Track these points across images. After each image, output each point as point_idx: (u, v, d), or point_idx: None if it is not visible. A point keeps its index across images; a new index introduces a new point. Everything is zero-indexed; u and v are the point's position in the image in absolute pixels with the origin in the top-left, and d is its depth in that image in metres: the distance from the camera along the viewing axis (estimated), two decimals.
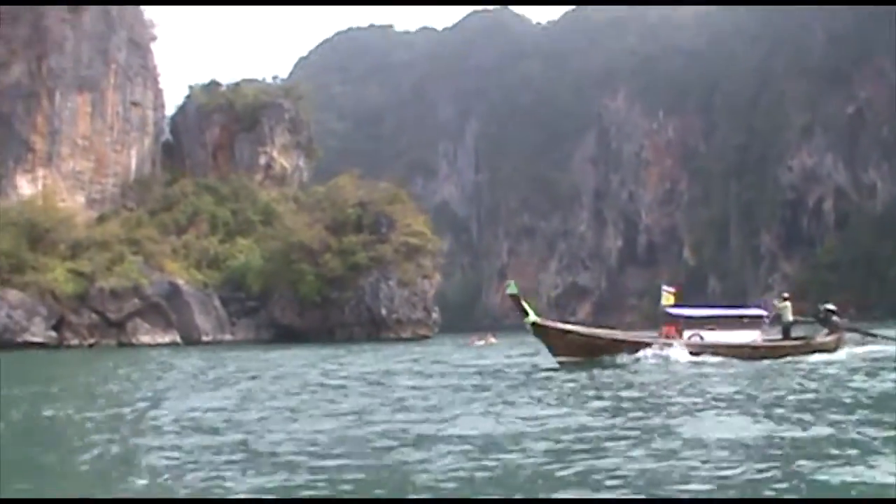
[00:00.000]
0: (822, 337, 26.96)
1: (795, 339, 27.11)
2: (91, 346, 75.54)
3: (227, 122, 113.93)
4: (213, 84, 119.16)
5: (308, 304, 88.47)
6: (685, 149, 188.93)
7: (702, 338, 25.22)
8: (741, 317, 27.67)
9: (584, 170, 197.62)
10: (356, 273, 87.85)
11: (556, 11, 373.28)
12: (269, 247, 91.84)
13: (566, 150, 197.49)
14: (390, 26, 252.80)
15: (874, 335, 29.14)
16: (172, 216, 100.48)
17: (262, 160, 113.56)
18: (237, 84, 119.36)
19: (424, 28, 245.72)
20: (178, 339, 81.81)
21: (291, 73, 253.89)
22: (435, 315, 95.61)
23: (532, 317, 23.68)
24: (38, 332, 72.44)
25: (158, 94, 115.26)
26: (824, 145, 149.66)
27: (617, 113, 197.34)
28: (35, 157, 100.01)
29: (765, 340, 26.02)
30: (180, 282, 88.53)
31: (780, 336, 27.22)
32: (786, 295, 29.92)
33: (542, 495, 7.39)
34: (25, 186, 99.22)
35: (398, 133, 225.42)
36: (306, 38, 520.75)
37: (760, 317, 27.70)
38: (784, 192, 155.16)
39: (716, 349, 23.76)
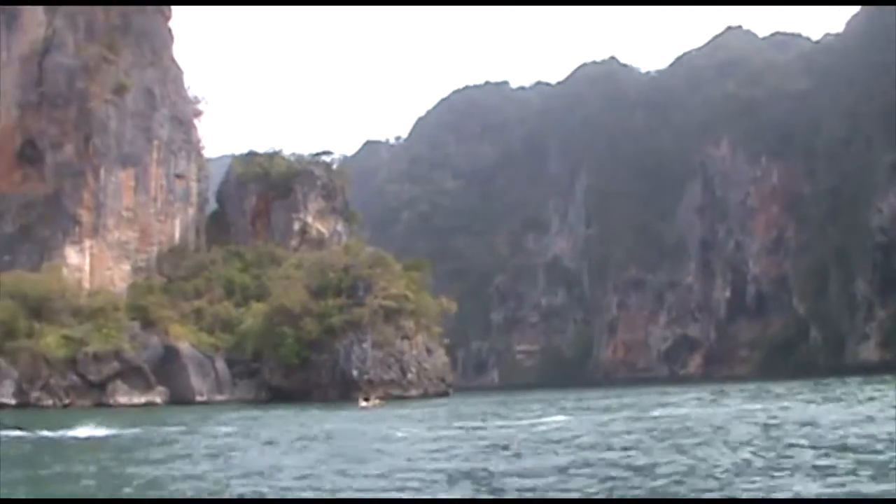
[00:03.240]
0: None
1: None
2: (66, 405, 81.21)
3: (264, 191, 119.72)
4: (251, 154, 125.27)
5: (292, 365, 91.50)
6: (790, 195, 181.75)
7: None
8: None
9: (690, 220, 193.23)
10: (332, 336, 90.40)
11: (665, 59, 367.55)
12: (261, 311, 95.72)
13: (671, 201, 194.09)
14: (505, 83, 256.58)
15: None
16: (194, 283, 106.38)
17: (297, 226, 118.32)
18: (273, 154, 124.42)
19: (539, 83, 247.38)
20: (157, 399, 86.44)
21: (411, 134, 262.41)
22: (433, 374, 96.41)
23: None
24: (6, 393, 78.76)
25: (202, 165, 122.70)
26: None
27: (721, 161, 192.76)
28: (82, 230, 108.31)
29: None
30: (181, 345, 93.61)
31: None
32: None
33: None
34: (74, 256, 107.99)
35: (510, 190, 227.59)
36: (425, 97, 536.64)
37: None
38: (875, 235, 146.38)
39: None
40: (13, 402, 79.05)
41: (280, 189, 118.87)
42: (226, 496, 16.92)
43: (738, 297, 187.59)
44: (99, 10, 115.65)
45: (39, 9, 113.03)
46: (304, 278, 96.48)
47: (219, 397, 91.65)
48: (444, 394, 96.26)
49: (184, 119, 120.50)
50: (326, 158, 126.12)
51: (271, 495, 16.92)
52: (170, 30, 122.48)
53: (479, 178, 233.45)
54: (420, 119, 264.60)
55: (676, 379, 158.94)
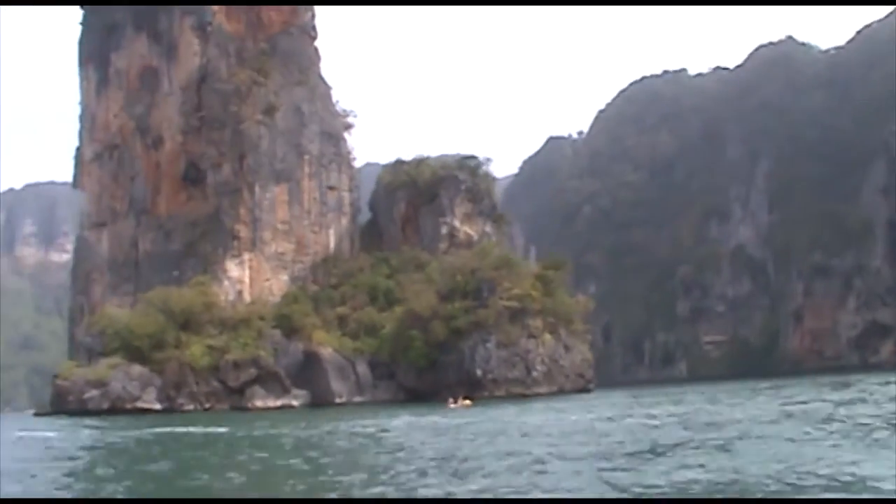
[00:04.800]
0: None
1: None
2: (206, 409, 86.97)
3: (411, 198, 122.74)
4: (398, 163, 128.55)
5: (423, 367, 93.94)
6: None
7: None
8: None
9: (875, 201, 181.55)
10: (458, 337, 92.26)
11: (844, 35, 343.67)
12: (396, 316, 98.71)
13: (854, 182, 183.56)
14: (683, 70, 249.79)
15: None
16: (342, 290, 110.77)
17: (444, 230, 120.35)
18: (419, 161, 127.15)
19: (717, 68, 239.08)
20: (293, 402, 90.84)
21: (591, 127, 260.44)
22: (570, 370, 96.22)
23: None
24: (150, 399, 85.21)
25: (353, 176, 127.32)
26: None
27: None
28: (241, 244, 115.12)
29: None
30: (323, 350, 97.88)
31: None
32: None
33: None
34: (234, 269, 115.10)
35: (690, 179, 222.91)
36: (605, 90, 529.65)
37: None
38: None
39: None
40: (158, 406, 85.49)
41: (426, 195, 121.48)
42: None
43: None
44: (248, 37, 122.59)
45: (195, 39, 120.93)
46: (436, 282, 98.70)
47: (357, 399, 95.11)
48: (584, 389, 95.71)
49: (333, 133, 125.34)
50: (471, 163, 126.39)
51: None
52: (316, 49, 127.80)
53: (659, 169, 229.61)
54: (600, 112, 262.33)
55: (867, 367, 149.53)
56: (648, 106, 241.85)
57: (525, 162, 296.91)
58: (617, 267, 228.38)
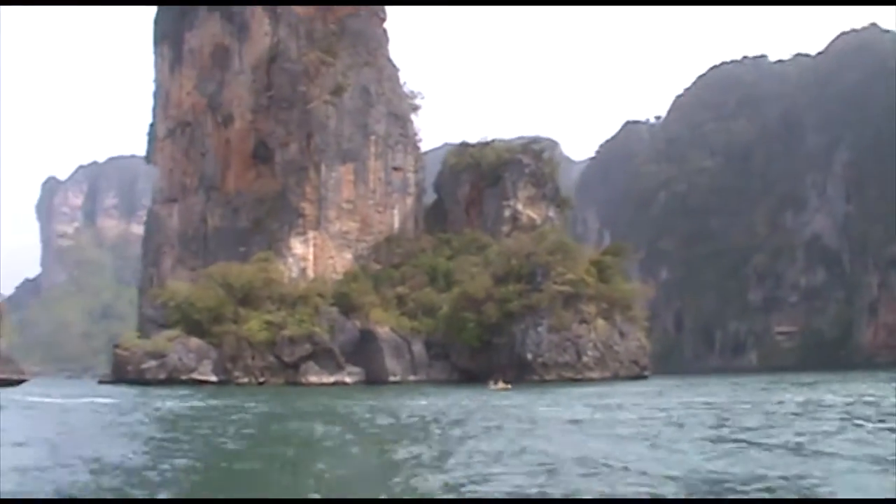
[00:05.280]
0: None
1: None
2: (260, 384, 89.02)
3: (475, 180, 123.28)
4: (464, 145, 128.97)
5: (476, 348, 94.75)
6: None
7: None
8: None
9: None
10: (511, 320, 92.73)
11: None
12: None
13: None
14: (763, 57, 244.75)
15: None
16: (402, 270, 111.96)
17: (507, 213, 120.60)
18: (485, 144, 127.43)
19: (798, 55, 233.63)
20: (346, 379, 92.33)
21: (669, 112, 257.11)
22: (624, 357, 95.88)
23: None
24: (205, 371, 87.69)
25: (419, 157, 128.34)
26: None
27: None
28: (306, 222, 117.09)
29: None
30: (380, 329, 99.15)
31: None
32: None
33: None
34: (298, 247, 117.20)
35: (766, 167, 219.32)
36: (684, 74, 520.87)
37: None
38: None
39: None
40: (214, 378, 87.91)
41: (490, 178, 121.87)
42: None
43: None
44: (318, 18, 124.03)
45: (266, 20, 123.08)
46: (493, 265, 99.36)
47: (412, 378, 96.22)
48: (639, 376, 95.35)
49: (400, 114, 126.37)
50: (535, 147, 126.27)
51: None
52: (385, 31, 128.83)
53: (735, 156, 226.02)
54: (678, 98, 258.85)
55: None
56: (727, 92, 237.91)
57: (602, 146, 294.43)
58: (690, 254, 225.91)
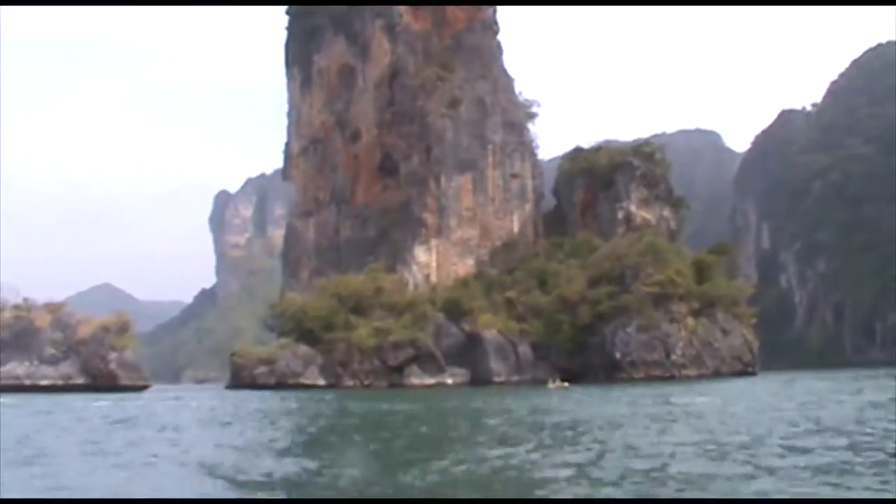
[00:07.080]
0: None
1: None
2: (366, 386, 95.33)
3: (589, 184, 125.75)
4: (577, 150, 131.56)
5: (572, 349, 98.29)
6: None
7: None
8: None
9: None
10: (602, 321, 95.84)
11: None
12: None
13: None
14: None
15: None
16: (514, 274, 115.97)
17: (621, 215, 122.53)
18: (597, 148, 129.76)
19: None
20: (447, 380, 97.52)
21: (824, 99, 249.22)
22: (727, 353, 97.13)
23: None
24: (312, 376, 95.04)
25: (536, 164, 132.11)
26: None
27: None
28: (428, 231, 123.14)
29: None
30: (486, 332, 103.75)
31: None
32: None
33: None
34: (422, 255, 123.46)
35: None
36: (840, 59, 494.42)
37: None
38: None
39: None
40: (322, 382, 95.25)
41: (603, 181, 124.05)
42: None
43: None
44: (433, 34, 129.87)
45: (385, 39, 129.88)
46: (587, 268, 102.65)
47: (515, 378, 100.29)
48: (745, 373, 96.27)
49: (516, 122, 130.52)
50: (646, 149, 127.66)
51: None
52: (498, 43, 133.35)
53: (891, 141, 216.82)
54: (832, 83, 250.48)
55: None
56: (882, 74, 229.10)
57: (758, 136, 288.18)
58: (847, 244, 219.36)
